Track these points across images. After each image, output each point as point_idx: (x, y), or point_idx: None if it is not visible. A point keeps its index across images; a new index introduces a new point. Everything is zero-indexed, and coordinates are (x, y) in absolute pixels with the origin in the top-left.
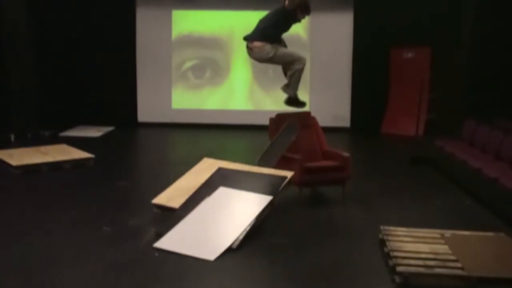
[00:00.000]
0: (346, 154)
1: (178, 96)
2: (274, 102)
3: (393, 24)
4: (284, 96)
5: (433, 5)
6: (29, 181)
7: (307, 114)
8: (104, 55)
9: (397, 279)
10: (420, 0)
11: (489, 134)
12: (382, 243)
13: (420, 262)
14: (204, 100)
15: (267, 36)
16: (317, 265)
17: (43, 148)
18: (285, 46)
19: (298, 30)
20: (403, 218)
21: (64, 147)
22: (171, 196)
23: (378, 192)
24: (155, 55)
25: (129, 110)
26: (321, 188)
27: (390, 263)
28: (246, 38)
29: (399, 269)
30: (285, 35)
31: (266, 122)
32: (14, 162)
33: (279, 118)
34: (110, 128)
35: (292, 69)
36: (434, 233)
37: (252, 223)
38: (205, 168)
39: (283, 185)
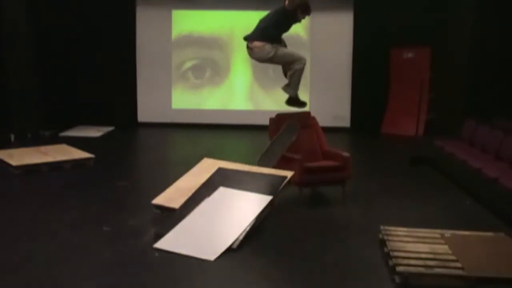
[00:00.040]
0: (346, 154)
1: (178, 96)
2: (274, 102)
3: (393, 24)
4: (285, 96)
5: (433, 5)
6: (29, 181)
7: (307, 114)
8: (104, 55)
9: (397, 279)
10: (420, 0)
11: (489, 134)
12: (382, 243)
13: (420, 262)
14: (204, 100)
15: (267, 36)
16: (317, 265)
17: (43, 148)
18: (285, 46)
19: (298, 30)
20: (403, 218)
21: (64, 147)
22: (171, 196)
23: (378, 192)
24: (155, 55)
25: (129, 110)
26: (321, 188)
27: (390, 263)
28: (246, 38)
29: (399, 269)
30: (285, 35)
31: (266, 122)
32: (14, 162)
33: (279, 118)
34: (110, 128)
35: (292, 69)
36: (434, 233)
37: (252, 223)
38: (205, 168)
39: (283, 185)
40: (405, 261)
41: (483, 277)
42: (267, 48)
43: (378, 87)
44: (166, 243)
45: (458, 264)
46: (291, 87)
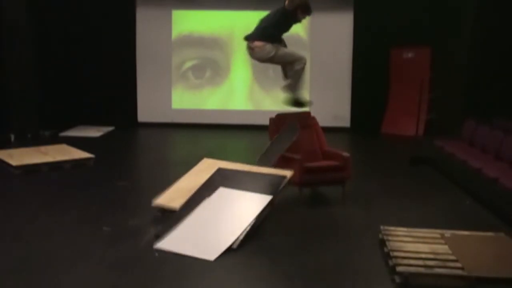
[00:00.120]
0: (346, 154)
1: (178, 96)
2: (274, 102)
3: (393, 24)
4: (285, 96)
5: (433, 5)
6: (29, 181)
7: (307, 114)
8: (104, 55)
9: (397, 279)
10: (420, 0)
11: (489, 134)
12: (382, 243)
13: (420, 262)
14: (204, 100)
15: (268, 35)
16: (317, 265)
17: (43, 148)
18: (285, 46)
19: (298, 30)
20: (403, 218)
21: (64, 147)
22: (171, 197)
23: (378, 192)
24: (155, 55)
25: (129, 110)
26: (321, 188)
27: (390, 263)
28: (246, 38)
29: (399, 269)
30: (285, 35)
31: (266, 122)
32: (14, 162)
33: (279, 118)
34: (110, 128)
35: (292, 69)
36: (434, 233)
37: (252, 223)
38: (205, 168)
39: (283, 184)
40: (405, 261)
41: (483, 277)
42: (267, 47)
43: (378, 87)
44: (166, 243)
45: (458, 264)
46: (292, 88)
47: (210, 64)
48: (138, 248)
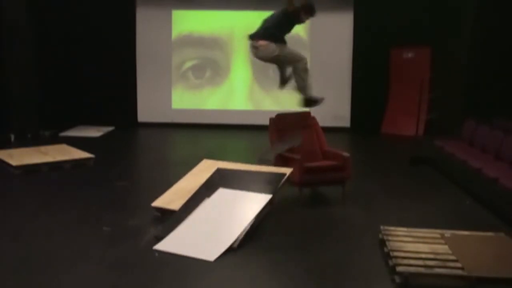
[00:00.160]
0: (346, 154)
1: (178, 96)
2: (274, 102)
3: (393, 24)
4: (285, 96)
5: (433, 5)
6: (29, 181)
7: (307, 114)
8: (104, 55)
9: (397, 279)
10: (420, 0)
11: (489, 134)
12: (382, 243)
13: (420, 262)
14: (204, 100)
15: (270, 36)
16: (317, 265)
17: (43, 148)
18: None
19: (298, 30)
20: (403, 218)
21: (64, 147)
22: (171, 198)
23: (378, 192)
24: (155, 55)
25: (129, 110)
26: (321, 188)
27: (390, 263)
28: (251, 37)
29: (399, 269)
30: (285, 36)
31: (266, 122)
32: (14, 162)
33: (279, 118)
34: (110, 128)
35: (296, 71)
36: (434, 233)
37: (252, 222)
38: (204, 169)
39: (282, 182)
40: (405, 261)
41: (483, 277)
42: (272, 47)
43: (378, 87)
44: (167, 244)
45: (458, 264)
46: (303, 89)
47: (210, 64)
48: (138, 248)
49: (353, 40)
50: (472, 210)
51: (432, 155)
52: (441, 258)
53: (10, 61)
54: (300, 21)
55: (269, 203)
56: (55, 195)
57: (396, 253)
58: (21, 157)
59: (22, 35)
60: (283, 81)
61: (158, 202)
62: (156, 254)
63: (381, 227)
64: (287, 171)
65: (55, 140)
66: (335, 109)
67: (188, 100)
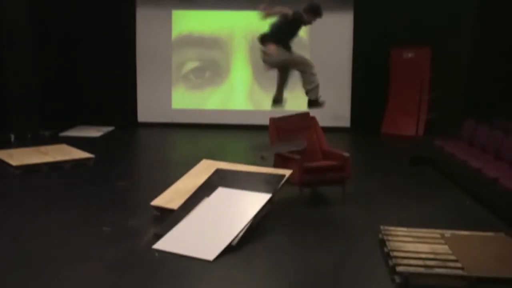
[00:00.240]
0: (346, 154)
1: (178, 96)
2: None
3: (393, 24)
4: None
5: (433, 5)
6: (29, 181)
7: (307, 114)
8: (104, 55)
9: (397, 279)
10: (420, 0)
11: (489, 134)
12: (382, 243)
13: (420, 262)
14: (204, 100)
15: (279, 40)
16: (317, 265)
17: (43, 148)
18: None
19: None
20: (403, 218)
21: (64, 147)
22: (170, 198)
23: (378, 192)
24: (155, 55)
25: (129, 110)
26: (321, 188)
27: (390, 263)
28: (261, 40)
29: (399, 269)
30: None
31: (266, 122)
32: (14, 162)
33: (279, 119)
34: (110, 128)
35: (305, 77)
36: (434, 233)
37: (251, 221)
38: (204, 169)
39: (281, 183)
40: (405, 261)
41: (483, 277)
42: (281, 52)
43: (378, 87)
44: (165, 243)
45: (458, 264)
46: (312, 92)
47: (210, 64)
48: (138, 248)
49: (353, 40)
50: (472, 210)
51: (432, 155)
52: (441, 258)
53: (10, 61)
54: (307, 22)
55: (269, 203)
56: (55, 195)
57: (396, 253)
58: (21, 157)
59: (22, 35)
60: (277, 100)
61: (157, 201)
62: (156, 254)
63: (381, 227)
64: (286, 172)
65: (55, 140)
66: (335, 109)
67: (188, 100)
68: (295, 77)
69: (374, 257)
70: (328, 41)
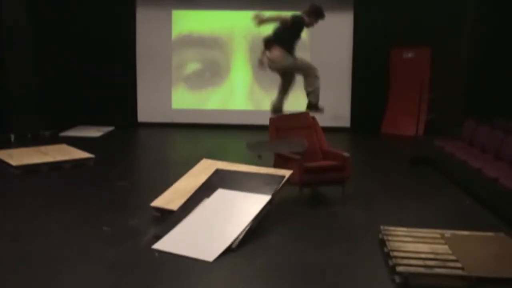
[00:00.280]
0: (346, 154)
1: (178, 96)
2: None
3: (393, 24)
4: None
5: (433, 5)
6: (29, 181)
7: (307, 114)
8: (104, 55)
9: (397, 279)
10: (420, 0)
11: (489, 134)
12: (382, 243)
13: (420, 262)
14: (204, 100)
15: (284, 44)
16: (317, 265)
17: (43, 148)
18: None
19: None
20: (403, 218)
21: (64, 147)
22: (170, 198)
23: (378, 192)
24: (155, 55)
25: (129, 110)
26: (321, 188)
27: (390, 263)
28: (266, 44)
29: (399, 269)
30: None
31: (266, 122)
32: (14, 162)
33: (279, 119)
34: (110, 128)
35: (308, 81)
36: (434, 233)
37: (251, 223)
38: (204, 169)
39: (281, 184)
40: (405, 261)
41: (483, 277)
42: (286, 57)
43: (378, 87)
44: (165, 244)
45: (458, 264)
46: (314, 96)
47: (210, 64)
48: (138, 248)
49: (353, 40)
50: (472, 210)
51: (432, 155)
52: (441, 258)
53: (10, 61)
54: (309, 24)
55: (269, 204)
56: (55, 195)
57: (396, 253)
58: (21, 157)
59: (22, 35)
60: (277, 110)
61: (157, 202)
62: (156, 254)
63: (381, 227)
64: (286, 173)
65: (55, 140)
66: (335, 109)
67: (188, 100)
68: (296, 80)
69: (374, 257)
70: (328, 41)
